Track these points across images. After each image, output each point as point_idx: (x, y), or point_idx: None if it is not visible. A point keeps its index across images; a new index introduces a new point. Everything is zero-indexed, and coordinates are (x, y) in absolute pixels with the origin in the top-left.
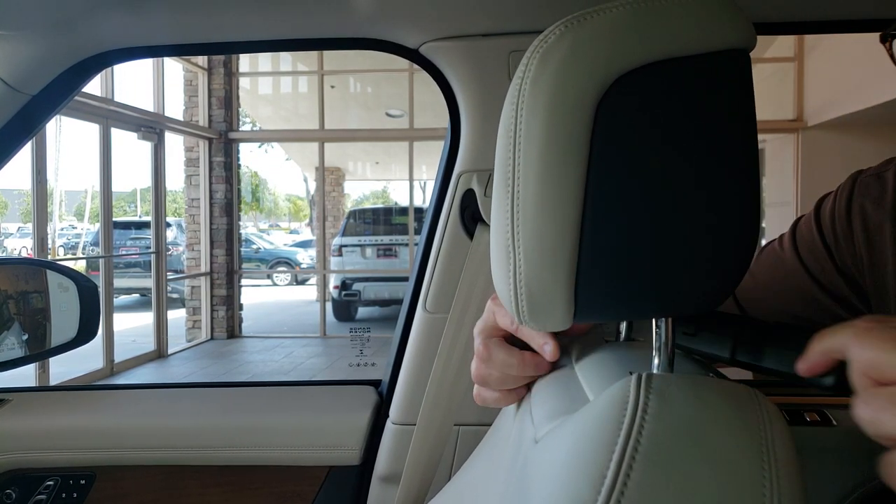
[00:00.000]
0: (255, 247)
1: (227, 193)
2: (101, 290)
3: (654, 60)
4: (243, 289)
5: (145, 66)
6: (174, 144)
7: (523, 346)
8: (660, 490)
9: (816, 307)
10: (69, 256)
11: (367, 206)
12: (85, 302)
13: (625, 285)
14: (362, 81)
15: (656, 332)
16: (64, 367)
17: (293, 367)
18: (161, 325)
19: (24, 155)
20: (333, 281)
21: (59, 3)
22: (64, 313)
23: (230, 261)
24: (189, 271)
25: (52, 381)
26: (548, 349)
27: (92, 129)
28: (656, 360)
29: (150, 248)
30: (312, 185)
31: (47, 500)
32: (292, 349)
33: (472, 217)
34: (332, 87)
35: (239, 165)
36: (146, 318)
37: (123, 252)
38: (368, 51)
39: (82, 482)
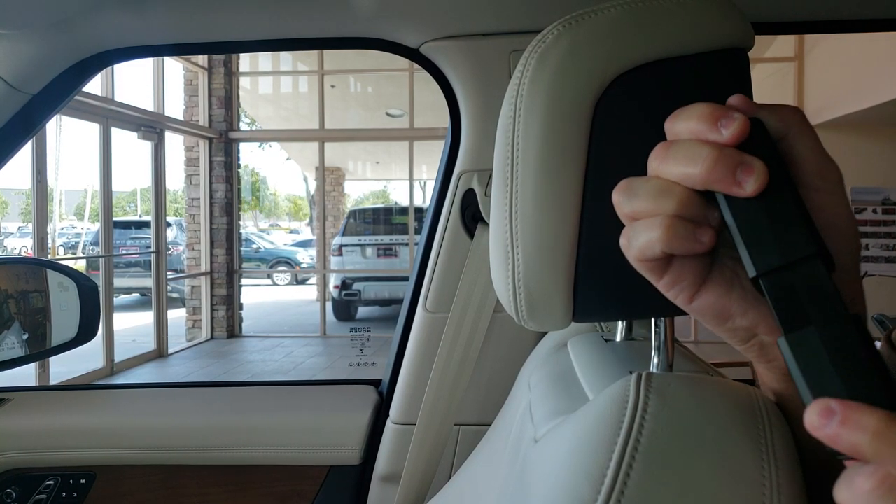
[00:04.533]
0: (255, 246)
1: (227, 193)
2: (101, 289)
3: (652, 60)
4: (243, 288)
5: (145, 65)
6: (174, 144)
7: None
8: (660, 489)
9: None
10: (69, 256)
11: (368, 205)
12: (85, 301)
13: (623, 285)
14: (362, 81)
15: (656, 331)
16: (64, 367)
17: (293, 366)
18: (161, 325)
19: (24, 154)
20: (333, 280)
21: (59, 2)
22: (64, 313)
23: (230, 260)
24: (189, 271)
25: (52, 381)
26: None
27: (92, 129)
28: (656, 360)
29: (150, 247)
30: (312, 185)
31: (47, 500)
32: (292, 349)
33: (472, 217)
34: (333, 86)
35: (239, 165)
36: (146, 318)
37: (123, 251)
38: (368, 50)
39: (82, 482)
